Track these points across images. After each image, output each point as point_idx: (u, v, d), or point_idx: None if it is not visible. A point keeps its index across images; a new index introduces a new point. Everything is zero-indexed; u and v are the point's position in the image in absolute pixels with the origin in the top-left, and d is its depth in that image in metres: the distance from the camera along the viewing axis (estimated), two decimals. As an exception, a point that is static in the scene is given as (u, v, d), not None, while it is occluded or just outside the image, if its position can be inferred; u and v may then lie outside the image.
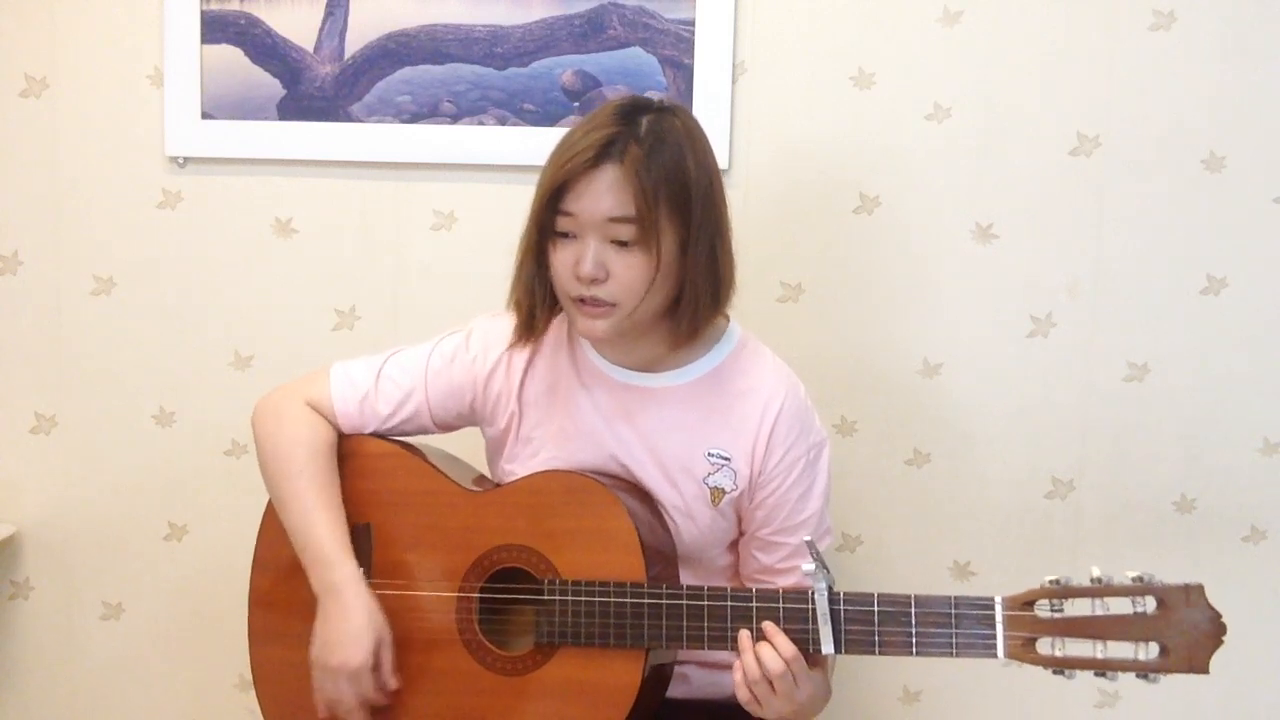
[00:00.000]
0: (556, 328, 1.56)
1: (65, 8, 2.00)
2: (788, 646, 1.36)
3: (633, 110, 1.42)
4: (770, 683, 1.35)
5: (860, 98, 1.92)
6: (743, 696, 1.38)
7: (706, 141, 1.47)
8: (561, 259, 1.43)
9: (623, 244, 1.40)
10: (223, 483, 2.05)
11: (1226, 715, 1.94)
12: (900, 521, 1.99)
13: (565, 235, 1.43)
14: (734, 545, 1.59)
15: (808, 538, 1.37)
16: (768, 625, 1.37)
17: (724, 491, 1.51)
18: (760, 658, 1.36)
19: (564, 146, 1.42)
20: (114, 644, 2.11)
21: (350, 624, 1.45)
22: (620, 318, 1.43)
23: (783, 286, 1.95)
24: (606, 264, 1.41)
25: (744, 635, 1.38)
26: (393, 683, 1.48)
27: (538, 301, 1.49)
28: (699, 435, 1.51)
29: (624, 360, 1.53)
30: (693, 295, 1.44)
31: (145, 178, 2.02)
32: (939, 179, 1.92)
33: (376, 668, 1.46)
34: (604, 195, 1.39)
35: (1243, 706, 1.95)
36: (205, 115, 1.98)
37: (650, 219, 1.38)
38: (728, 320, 1.56)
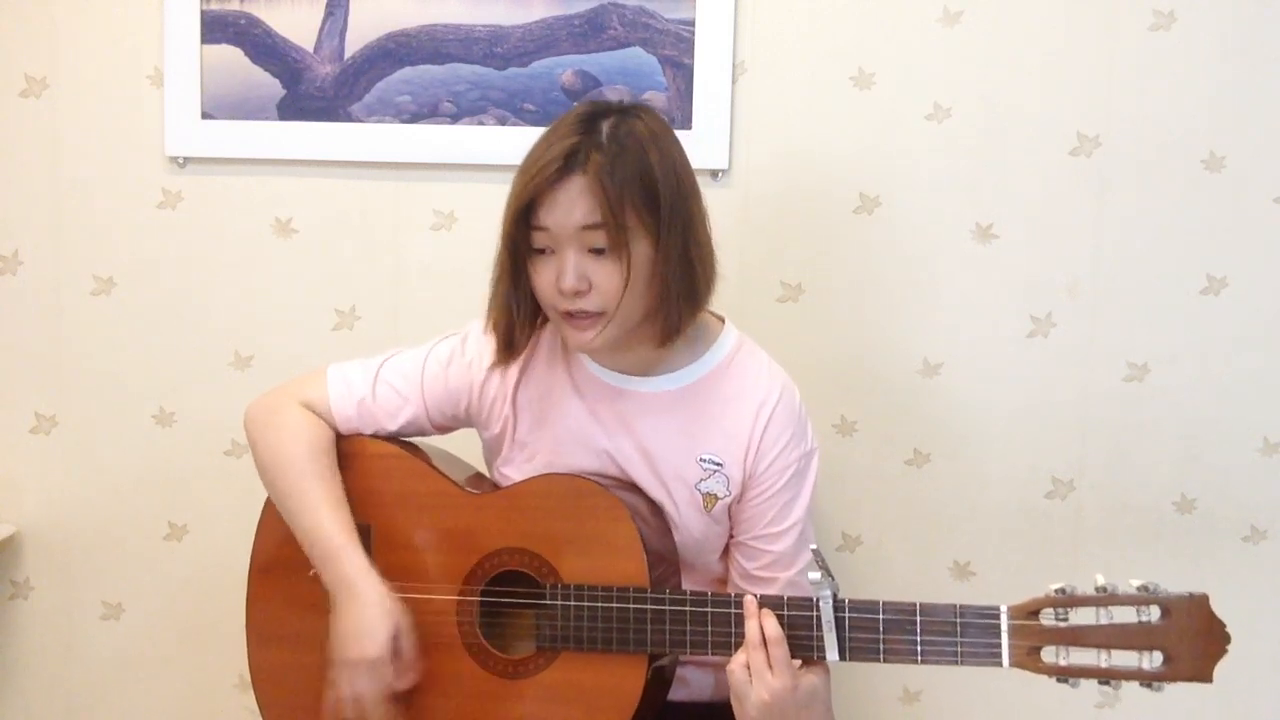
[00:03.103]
0: (551, 334, 1.55)
1: (65, 8, 1.99)
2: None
3: (593, 116, 1.41)
4: (767, 651, 1.33)
5: (860, 98, 1.92)
6: (736, 665, 1.35)
7: (673, 139, 1.45)
8: (543, 277, 1.43)
9: (599, 251, 1.40)
10: (223, 483, 2.05)
11: (1227, 715, 1.94)
12: (900, 521, 1.99)
13: (542, 251, 1.42)
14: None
15: (814, 546, 1.37)
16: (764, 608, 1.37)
17: (717, 498, 1.50)
18: (763, 622, 1.35)
19: (528, 161, 1.41)
20: (114, 644, 2.11)
21: (365, 616, 1.43)
22: (608, 326, 1.42)
23: (783, 286, 1.95)
24: (588, 274, 1.40)
25: (750, 600, 1.37)
26: (414, 671, 1.45)
27: (516, 321, 1.48)
28: (692, 440, 1.50)
29: (617, 365, 1.52)
30: (667, 294, 1.43)
31: (145, 178, 2.02)
32: (939, 179, 1.92)
33: (396, 655, 1.43)
34: (573, 205, 1.38)
35: (1244, 706, 1.95)
36: (205, 115, 1.98)
37: (619, 224, 1.37)
38: (722, 322, 1.55)
